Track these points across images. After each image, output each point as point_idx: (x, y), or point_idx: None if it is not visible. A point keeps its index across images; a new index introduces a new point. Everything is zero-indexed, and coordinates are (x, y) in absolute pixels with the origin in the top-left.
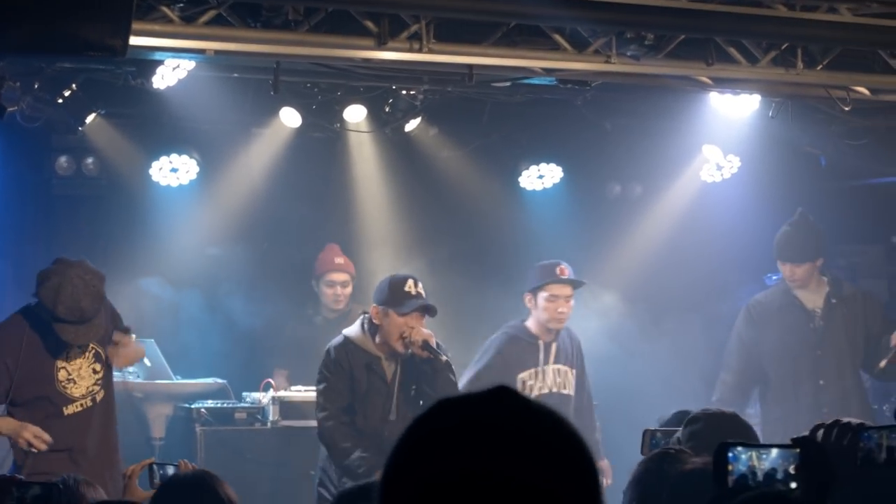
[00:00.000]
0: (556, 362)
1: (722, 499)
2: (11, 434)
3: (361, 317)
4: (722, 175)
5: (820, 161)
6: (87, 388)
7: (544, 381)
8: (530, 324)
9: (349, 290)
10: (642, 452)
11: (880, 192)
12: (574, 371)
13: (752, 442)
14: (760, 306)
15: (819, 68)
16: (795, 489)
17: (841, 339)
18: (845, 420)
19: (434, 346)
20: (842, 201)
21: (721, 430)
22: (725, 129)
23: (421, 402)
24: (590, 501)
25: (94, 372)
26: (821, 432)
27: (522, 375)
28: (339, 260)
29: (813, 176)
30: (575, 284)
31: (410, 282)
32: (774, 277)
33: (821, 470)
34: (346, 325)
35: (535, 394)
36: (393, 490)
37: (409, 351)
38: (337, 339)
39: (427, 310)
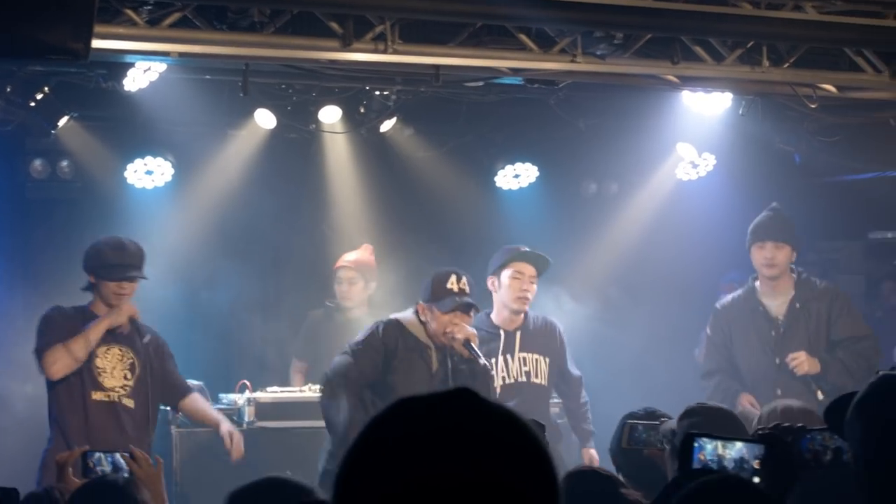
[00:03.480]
0: (522, 350)
1: (683, 480)
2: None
3: (414, 307)
4: (697, 173)
5: (794, 158)
6: (115, 387)
7: (508, 371)
8: (493, 315)
9: (357, 287)
10: (622, 445)
11: (855, 189)
12: (548, 359)
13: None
14: (725, 310)
15: (785, 66)
16: (759, 483)
17: (803, 347)
18: (786, 424)
19: (476, 346)
20: (817, 198)
21: (719, 425)
22: (699, 128)
23: None
24: (551, 498)
25: (125, 378)
26: (764, 434)
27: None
28: (351, 257)
29: (787, 173)
30: (538, 261)
31: (453, 278)
32: (722, 295)
33: (784, 466)
34: (358, 324)
35: (498, 384)
36: (350, 497)
37: (453, 347)
38: (387, 319)
39: (468, 307)
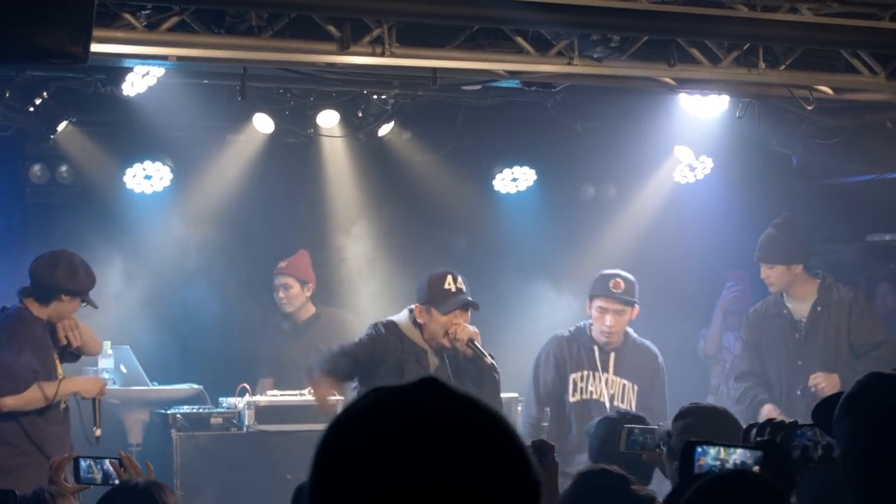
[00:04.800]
0: (615, 373)
1: (687, 483)
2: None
3: (408, 309)
4: (695, 176)
5: (792, 161)
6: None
7: (597, 388)
8: (590, 324)
9: (293, 292)
10: (620, 449)
11: (853, 191)
12: (636, 386)
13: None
14: (756, 315)
15: (782, 68)
16: None
17: (821, 349)
18: (778, 419)
19: (479, 345)
20: (814, 201)
21: (713, 425)
22: (696, 131)
23: None
24: (528, 497)
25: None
26: (754, 431)
27: (574, 376)
28: (282, 264)
29: (785, 176)
30: (624, 303)
31: (450, 278)
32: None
33: (783, 470)
34: (315, 331)
35: (584, 397)
36: (327, 498)
37: (455, 347)
38: (385, 321)
39: (468, 305)
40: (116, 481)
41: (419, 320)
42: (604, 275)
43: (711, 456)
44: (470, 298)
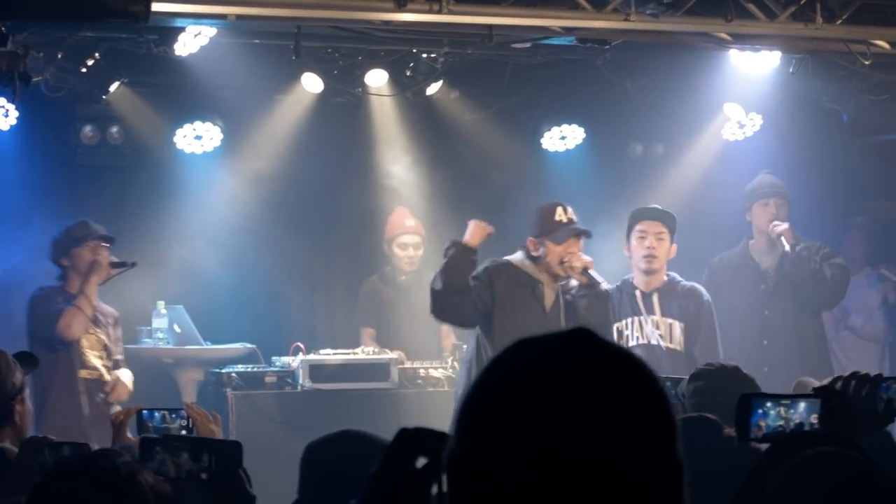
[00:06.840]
0: (656, 314)
1: (779, 454)
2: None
3: (521, 248)
4: (744, 133)
5: (842, 117)
6: (98, 365)
7: (642, 332)
8: (633, 275)
9: (421, 251)
10: None
11: None
12: (683, 324)
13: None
14: (720, 265)
15: (838, 23)
16: None
17: (790, 299)
18: (863, 372)
19: (593, 274)
20: (864, 157)
21: (726, 385)
22: (746, 87)
23: None
24: (670, 480)
25: (100, 358)
26: (839, 384)
27: (619, 325)
28: (411, 222)
29: (835, 132)
30: (663, 217)
31: (559, 209)
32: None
33: (842, 419)
34: (416, 287)
35: (630, 343)
36: (472, 475)
37: (569, 277)
38: (491, 263)
39: (581, 234)
40: (183, 432)
41: (534, 253)
42: (639, 207)
43: (772, 415)
44: (582, 227)
